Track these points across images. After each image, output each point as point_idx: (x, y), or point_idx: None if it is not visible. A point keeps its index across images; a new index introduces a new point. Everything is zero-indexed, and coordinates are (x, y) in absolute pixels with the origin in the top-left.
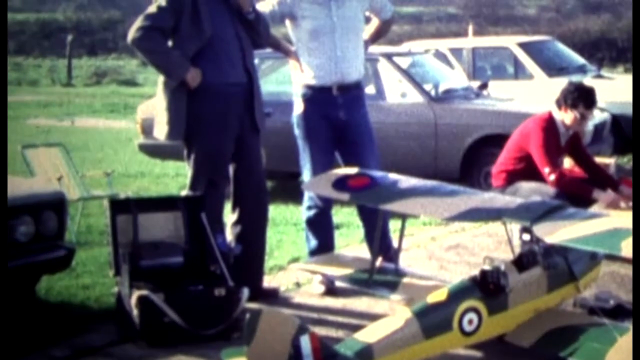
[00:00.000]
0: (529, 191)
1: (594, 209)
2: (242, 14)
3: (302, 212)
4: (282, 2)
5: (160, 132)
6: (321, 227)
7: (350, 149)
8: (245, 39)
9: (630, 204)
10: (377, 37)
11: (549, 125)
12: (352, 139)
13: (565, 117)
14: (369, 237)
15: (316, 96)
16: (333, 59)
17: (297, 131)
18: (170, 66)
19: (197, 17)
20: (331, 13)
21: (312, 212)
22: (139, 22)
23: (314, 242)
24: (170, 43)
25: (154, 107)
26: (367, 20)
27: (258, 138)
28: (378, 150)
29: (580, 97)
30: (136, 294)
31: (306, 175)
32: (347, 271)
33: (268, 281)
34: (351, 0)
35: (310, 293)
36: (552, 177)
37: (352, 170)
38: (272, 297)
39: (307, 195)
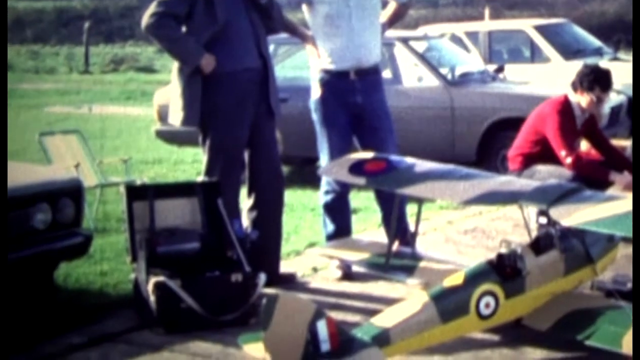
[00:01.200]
0: (546, 174)
1: (611, 191)
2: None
3: (319, 197)
4: None
5: (175, 118)
6: (338, 212)
7: (368, 134)
8: (259, 25)
9: None
10: (395, 20)
11: (565, 108)
12: (370, 123)
13: (582, 99)
14: (387, 221)
15: (333, 81)
16: (350, 43)
17: (315, 116)
18: (184, 52)
19: (210, 3)
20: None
21: (329, 197)
22: (152, 9)
23: (331, 227)
24: (184, 29)
25: (169, 93)
26: (385, 4)
27: (273, 123)
28: (395, 134)
29: (597, 80)
30: (153, 280)
31: (323, 160)
32: (364, 256)
33: (285, 266)
34: None
35: (328, 278)
36: (569, 160)
37: (369, 155)
38: (290, 282)
39: (325, 180)
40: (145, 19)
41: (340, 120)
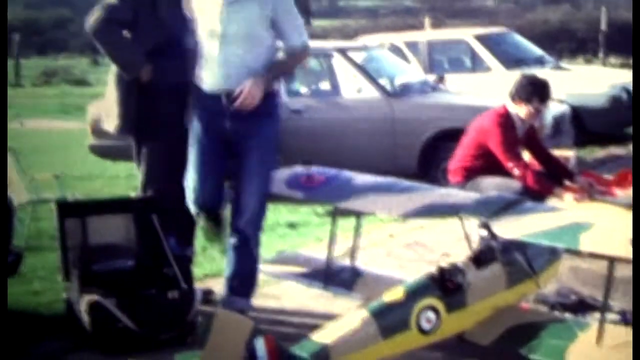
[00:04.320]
0: (493, 186)
1: (553, 202)
2: None
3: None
4: None
5: (110, 124)
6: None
7: (235, 163)
8: None
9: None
10: (279, 70)
11: (505, 119)
12: (238, 152)
13: (520, 110)
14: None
15: (205, 103)
16: (220, 65)
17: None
18: (125, 61)
19: (155, 12)
20: (221, 17)
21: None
22: (98, 12)
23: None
24: (128, 35)
25: (106, 98)
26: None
27: None
28: (274, 166)
29: (535, 92)
30: (87, 299)
31: (187, 184)
32: (304, 271)
33: (222, 283)
34: (250, 7)
35: (266, 294)
36: (517, 171)
37: (307, 168)
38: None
39: None
40: (90, 23)
41: (206, 145)
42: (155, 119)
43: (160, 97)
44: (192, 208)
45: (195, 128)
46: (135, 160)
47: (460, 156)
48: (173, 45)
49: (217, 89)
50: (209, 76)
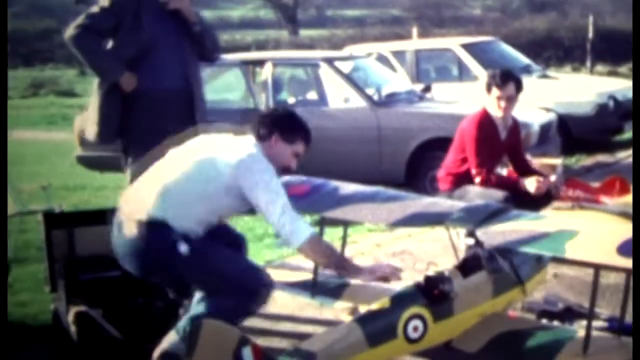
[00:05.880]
0: (477, 195)
1: (546, 211)
2: (189, 26)
3: None
4: None
5: (90, 132)
6: None
7: None
8: (188, 50)
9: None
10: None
11: (483, 120)
12: None
13: (490, 106)
14: None
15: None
16: None
17: None
18: (103, 68)
19: (137, 22)
20: None
21: None
22: (79, 20)
23: None
24: (110, 43)
25: (88, 107)
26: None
27: None
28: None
29: (492, 79)
30: (73, 310)
31: None
32: (292, 280)
33: None
34: None
35: None
36: (478, 179)
37: (292, 178)
38: None
39: None
40: (70, 30)
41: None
42: (138, 127)
43: (139, 106)
44: None
45: None
46: (124, 170)
47: (447, 163)
48: (151, 55)
49: None
50: None
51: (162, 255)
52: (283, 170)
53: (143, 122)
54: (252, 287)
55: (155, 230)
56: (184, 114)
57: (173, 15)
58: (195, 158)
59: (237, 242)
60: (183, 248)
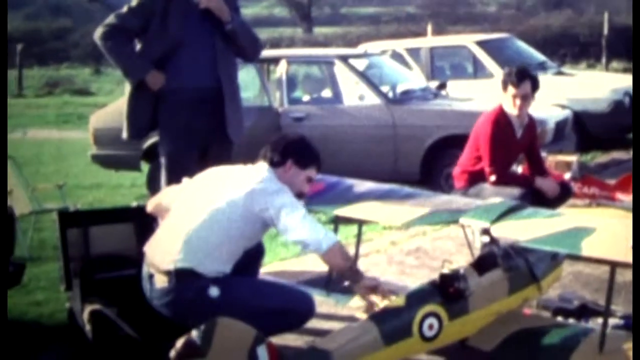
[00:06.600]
0: (493, 192)
1: (561, 208)
2: (222, 25)
3: None
4: None
5: (123, 131)
6: None
7: None
8: (221, 49)
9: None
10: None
11: (499, 117)
12: None
13: (506, 104)
14: None
15: None
16: None
17: None
18: (129, 66)
19: (166, 20)
20: None
21: None
22: (108, 20)
23: None
24: (138, 44)
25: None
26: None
27: (229, 149)
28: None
29: (508, 77)
30: (88, 308)
31: None
32: (306, 278)
33: None
34: None
35: None
36: (493, 177)
37: None
38: None
39: None
40: (99, 29)
41: None
42: (167, 124)
43: (167, 104)
44: None
45: None
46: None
47: (463, 160)
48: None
49: None
50: None
51: (194, 302)
52: (296, 195)
53: (172, 120)
54: (293, 320)
55: (184, 279)
56: (214, 112)
57: (205, 15)
58: (212, 206)
59: (258, 250)
60: (214, 292)
